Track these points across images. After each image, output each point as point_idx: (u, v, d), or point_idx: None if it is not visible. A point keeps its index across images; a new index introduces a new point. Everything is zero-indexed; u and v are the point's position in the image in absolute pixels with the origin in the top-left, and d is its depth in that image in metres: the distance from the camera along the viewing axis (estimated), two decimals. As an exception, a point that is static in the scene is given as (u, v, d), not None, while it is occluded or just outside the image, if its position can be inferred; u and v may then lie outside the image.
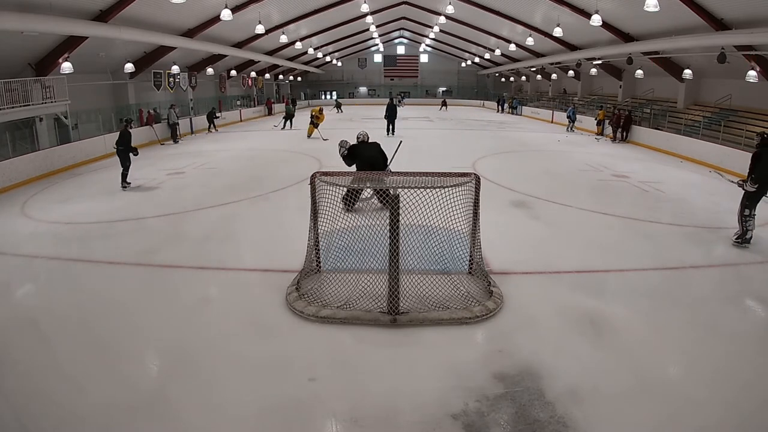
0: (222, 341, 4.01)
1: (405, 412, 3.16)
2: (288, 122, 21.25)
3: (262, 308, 4.57)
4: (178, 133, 17.58)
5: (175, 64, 19.12)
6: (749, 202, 6.19)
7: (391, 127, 18.08)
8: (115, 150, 9.89)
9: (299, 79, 41.18)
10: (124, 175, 9.84)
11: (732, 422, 3.11)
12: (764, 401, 3.30)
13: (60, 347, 3.97)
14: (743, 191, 6.26)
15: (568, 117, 21.53)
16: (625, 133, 17.62)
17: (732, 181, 6.55)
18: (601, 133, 18.96)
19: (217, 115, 21.34)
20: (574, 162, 12.98)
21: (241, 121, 25.75)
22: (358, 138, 8.01)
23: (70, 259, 5.93)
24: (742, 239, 6.26)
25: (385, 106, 18.83)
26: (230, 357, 3.79)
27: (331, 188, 4.72)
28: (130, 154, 9.76)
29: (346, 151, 7.68)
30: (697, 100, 17.50)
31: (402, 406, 3.22)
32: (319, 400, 3.31)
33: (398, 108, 18.91)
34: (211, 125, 20.87)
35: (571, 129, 21.22)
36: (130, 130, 10.19)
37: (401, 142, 8.93)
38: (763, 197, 6.26)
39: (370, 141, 8.03)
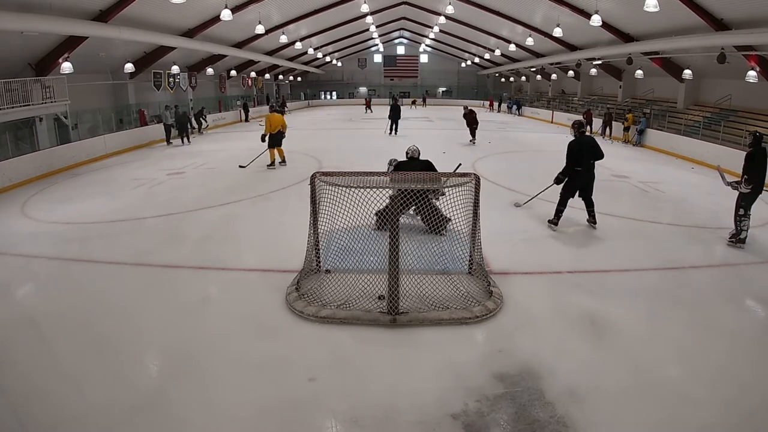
0: (222, 341, 4.01)
1: (405, 412, 3.16)
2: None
3: (262, 308, 4.57)
4: (189, 131, 17.41)
5: (175, 64, 19.13)
6: (744, 203, 6.16)
7: (394, 126, 18.23)
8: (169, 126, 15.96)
9: (299, 79, 41.19)
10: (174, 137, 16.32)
11: (732, 422, 3.11)
12: (763, 401, 3.31)
13: (60, 347, 3.97)
14: (738, 192, 6.22)
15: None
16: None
17: (728, 183, 6.38)
18: (628, 140, 17.47)
19: (204, 118, 20.72)
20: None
21: (241, 121, 25.76)
22: (407, 154, 6.82)
23: (70, 259, 5.93)
24: (737, 239, 6.24)
25: (388, 107, 19.05)
26: (230, 357, 3.79)
27: (331, 188, 4.72)
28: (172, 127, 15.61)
29: (391, 169, 6.72)
30: (697, 100, 17.50)
31: (402, 406, 3.22)
32: (318, 400, 3.31)
33: (401, 108, 19.17)
34: (200, 126, 20.13)
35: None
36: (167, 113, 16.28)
37: (460, 164, 7.53)
38: (760, 197, 6.24)
39: (421, 158, 6.79)
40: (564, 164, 6.76)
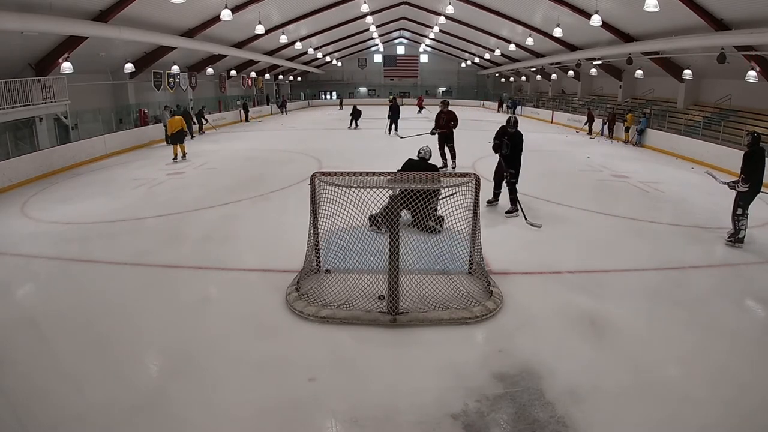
0: (222, 341, 4.01)
1: (405, 412, 3.16)
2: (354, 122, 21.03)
3: (262, 308, 4.57)
4: (193, 128, 17.47)
5: (175, 64, 19.13)
6: (743, 202, 6.17)
7: (394, 126, 18.25)
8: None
9: (299, 79, 41.18)
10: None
11: (732, 422, 3.11)
12: (763, 401, 3.31)
13: (60, 347, 3.97)
14: (736, 191, 6.24)
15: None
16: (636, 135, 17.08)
17: (724, 182, 6.48)
18: (628, 140, 17.46)
19: (203, 117, 20.42)
20: (574, 162, 12.98)
21: (241, 121, 25.77)
22: (418, 153, 7.07)
23: (70, 259, 5.92)
24: (735, 239, 6.25)
25: (387, 107, 19.01)
26: (230, 357, 3.79)
27: (331, 188, 4.72)
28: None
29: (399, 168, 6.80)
30: (697, 100, 17.50)
31: (402, 406, 3.22)
32: (318, 400, 3.31)
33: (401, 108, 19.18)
34: (200, 126, 19.86)
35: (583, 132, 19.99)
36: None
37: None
38: (758, 197, 6.25)
39: (430, 161, 7.06)
40: (492, 143, 7.73)
